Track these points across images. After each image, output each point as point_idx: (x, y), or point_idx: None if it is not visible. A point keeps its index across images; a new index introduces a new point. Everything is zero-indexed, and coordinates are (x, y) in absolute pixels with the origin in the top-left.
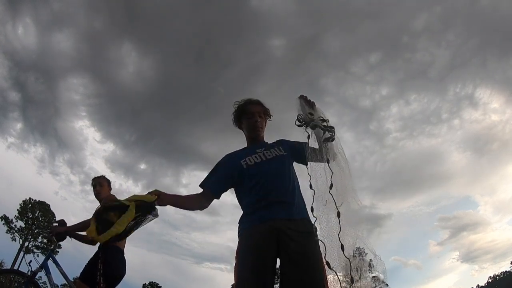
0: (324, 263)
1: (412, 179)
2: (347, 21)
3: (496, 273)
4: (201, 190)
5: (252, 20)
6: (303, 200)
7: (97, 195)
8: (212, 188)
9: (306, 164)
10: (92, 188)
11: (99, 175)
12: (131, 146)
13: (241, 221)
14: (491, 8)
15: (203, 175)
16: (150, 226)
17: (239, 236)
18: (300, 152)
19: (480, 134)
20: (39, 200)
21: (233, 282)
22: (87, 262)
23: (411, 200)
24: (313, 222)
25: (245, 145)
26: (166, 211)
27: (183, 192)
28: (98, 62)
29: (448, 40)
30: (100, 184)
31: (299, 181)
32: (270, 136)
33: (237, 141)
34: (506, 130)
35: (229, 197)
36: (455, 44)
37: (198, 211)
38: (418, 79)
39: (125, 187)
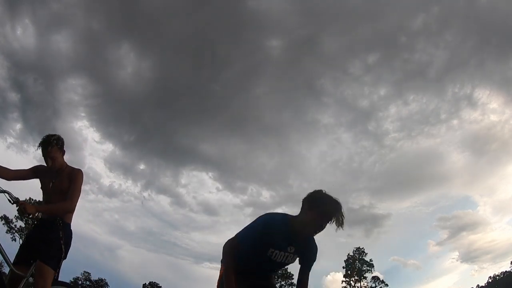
0: None
1: (411, 180)
2: (345, 22)
3: (496, 273)
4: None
5: (250, 21)
6: None
7: (50, 167)
8: (241, 244)
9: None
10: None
11: (47, 142)
12: (130, 147)
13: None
14: (489, 8)
15: (202, 175)
16: (150, 226)
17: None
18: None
19: (479, 135)
20: (39, 200)
21: None
22: (34, 240)
23: (410, 200)
24: None
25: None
26: (166, 211)
27: (183, 192)
28: (97, 62)
29: (446, 40)
30: (52, 157)
31: None
32: (270, 136)
33: (236, 142)
34: (505, 130)
35: (228, 197)
36: (453, 44)
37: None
38: (416, 79)
39: (124, 187)
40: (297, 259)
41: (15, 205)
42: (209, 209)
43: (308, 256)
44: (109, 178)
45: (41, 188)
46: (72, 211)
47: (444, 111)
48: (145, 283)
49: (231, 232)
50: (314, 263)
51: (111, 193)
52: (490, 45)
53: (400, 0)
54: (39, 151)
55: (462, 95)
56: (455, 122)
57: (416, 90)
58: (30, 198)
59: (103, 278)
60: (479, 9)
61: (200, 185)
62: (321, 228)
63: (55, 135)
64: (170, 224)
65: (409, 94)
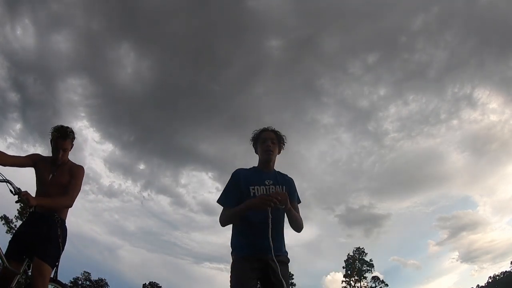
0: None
1: (411, 180)
2: (344, 21)
3: (496, 273)
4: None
5: (249, 21)
6: (283, 235)
7: (57, 158)
8: (231, 205)
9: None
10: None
11: (65, 133)
12: (130, 147)
13: (235, 244)
14: (489, 8)
15: (201, 175)
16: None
17: (232, 258)
18: (290, 199)
19: (479, 135)
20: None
21: None
22: (28, 235)
23: (410, 200)
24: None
25: (256, 164)
26: (166, 211)
27: (183, 192)
28: (97, 63)
29: (446, 40)
30: (64, 149)
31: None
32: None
33: (235, 142)
34: (505, 130)
35: None
36: (453, 44)
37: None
38: (416, 79)
39: (124, 187)
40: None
41: (16, 196)
42: (209, 209)
43: (288, 186)
44: (109, 178)
45: (37, 178)
46: (71, 206)
47: (444, 111)
48: (145, 283)
49: (231, 232)
50: (297, 194)
51: (111, 193)
52: (490, 45)
53: (400, 0)
54: (39, 151)
55: (462, 95)
56: (455, 122)
57: (416, 90)
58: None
59: (103, 278)
60: (479, 9)
61: (200, 185)
62: (263, 141)
63: (69, 127)
64: (170, 224)
65: (409, 94)
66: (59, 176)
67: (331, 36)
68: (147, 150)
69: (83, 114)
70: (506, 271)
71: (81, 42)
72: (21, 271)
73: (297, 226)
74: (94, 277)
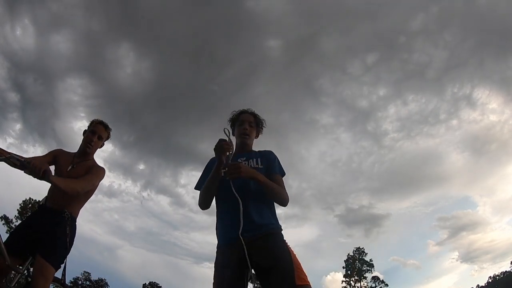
0: (293, 256)
1: (410, 180)
2: (343, 21)
3: (496, 273)
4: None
5: (248, 21)
6: (270, 209)
7: (87, 146)
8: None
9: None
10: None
11: (106, 124)
12: (130, 147)
13: (218, 233)
14: (488, 8)
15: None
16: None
17: (216, 249)
18: (269, 171)
19: (479, 135)
20: (39, 200)
21: None
22: (34, 230)
23: (409, 200)
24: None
25: None
26: (166, 211)
27: (182, 192)
28: (97, 63)
29: (445, 40)
30: (100, 137)
31: None
32: (270, 139)
33: (234, 139)
34: (504, 131)
35: None
36: (453, 44)
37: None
38: (416, 79)
39: (124, 187)
40: (263, 163)
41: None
42: (208, 209)
43: (263, 157)
44: (108, 178)
45: (55, 171)
46: (78, 194)
47: (444, 111)
48: (145, 283)
49: None
50: (278, 165)
51: (110, 193)
52: (490, 45)
53: (399, 0)
54: (39, 151)
55: (462, 95)
56: (454, 122)
57: (415, 90)
58: (30, 198)
59: (103, 278)
60: (478, 9)
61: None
62: (240, 124)
63: None
64: (170, 224)
65: (408, 94)
66: (78, 169)
67: (330, 36)
68: (146, 150)
69: (82, 114)
70: (506, 271)
71: (81, 42)
72: (23, 270)
73: (275, 197)
74: (94, 277)
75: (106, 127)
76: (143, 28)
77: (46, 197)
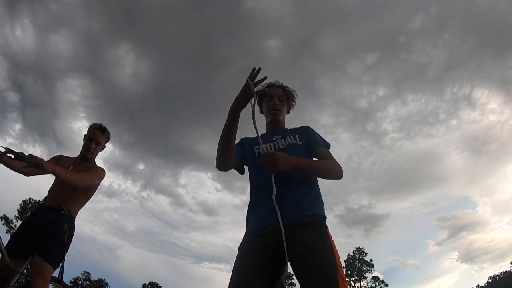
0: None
1: (410, 180)
2: (343, 22)
3: (496, 273)
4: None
5: (248, 21)
6: (316, 195)
7: (86, 152)
8: (237, 150)
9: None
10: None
11: (104, 128)
12: (130, 147)
13: (248, 215)
14: (488, 8)
15: (200, 175)
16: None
17: (246, 228)
18: (312, 151)
19: (478, 135)
20: (39, 200)
21: None
22: (33, 230)
23: (409, 200)
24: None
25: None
26: (166, 211)
27: (182, 192)
28: (96, 63)
29: (445, 40)
30: (98, 143)
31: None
32: None
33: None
34: (504, 131)
35: (228, 197)
36: (452, 44)
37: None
38: (415, 79)
39: (123, 188)
40: (302, 138)
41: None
42: (208, 209)
43: (301, 133)
44: (108, 178)
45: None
46: (77, 186)
47: (443, 111)
48: (145, 283)
49: (231, 232)
50: (317, 135)
51: (110, 193)
52: (489, 45)
53: (398, 0)
54: (39, 151)
55: (461, 95)
56: (454, 122)
57: (415, 90)
58: (30, 198)
59: (103, 278)
60: (478, 9)
61: (199, 185)
62: (269, 99)
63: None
64: (170, 224)
65: (407, 94)
66: (79, 169)
67: (330, 36)
68: (146, 150)
69: (82, 115)
70: (506, 271)
71: (81, 42)
72: (23, 269)
73: (328, 175)
74: (94, 277)
75: (104, 132)
76: (143, 28)
77: (46, 197)
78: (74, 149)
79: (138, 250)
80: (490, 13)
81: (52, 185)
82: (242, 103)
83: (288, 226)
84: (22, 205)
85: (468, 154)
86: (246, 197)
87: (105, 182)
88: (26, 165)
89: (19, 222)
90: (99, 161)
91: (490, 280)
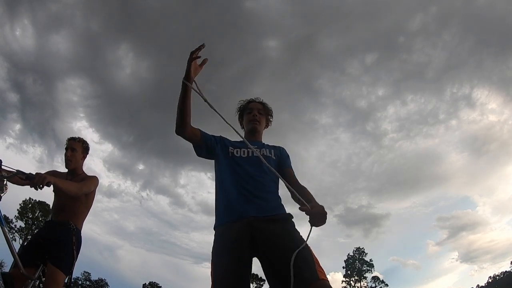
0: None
1: (410, 180)
2: (342, 22)
3: (496, 273)
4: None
5: (247, 21)
6: (280, 202)
7: (67, 162)
8: (203, 134)
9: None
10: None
11: (75, 137)
12: (129, 147)
13: (217, 215)
14: (487, 8)
15: (200, 175)
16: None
17: (214, 231)
18: (282, 169)
19: (478, 135)
20: (39, 200)
21: None
22: (44, 241)
23: (409, 201)
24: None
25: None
26: (165, 211)
27: (182, 192)
28: (96, 63)
29: (444, 40)
30: (73, 149)
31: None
32: (268, 138)
33: (233, 140)
34: (504, 131)
35: None
36: (452, 44)
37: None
38: (415, 79)
39: (123, 188)
40: (277, 155)
41: (31, 182)
42: (208, 209)
43: (277, 150)
44: (108, 178)
45: (53, 191)
46: (75, 195)
47: (443, 111)
48: (145, 283)
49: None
50: (290, 160)
51: (110, 193)
52: (489, 45)
53: (398, 1)
54: (38, 151)
55: (461, 95)
56: (453, 122)
57: (415, 90)
58: (30, 198)
59: (103, 278)
60: (477, 9)
61: (199, 185)
62: (249, 112)
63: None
64: (170, 224)
65: (407, 94)
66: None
67: (329, 37)
68: (146, 150)
69: (82, 115)
70: (506, 271)
71: (80, 42)
72: (35, 276)
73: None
74: (94, 277)
75: (75, 139)
76: (142, 28)
77: (51, 214)
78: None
79: (138, 250)
80: (490, 13)
81: (54, 202)
82: (187, 74)
83: (265, 216)
84: (22, 205)
85: (468, 154)
86: None
87: (105, 182)
88: (34, 185)
89: (19, 222)
90: (98, 160)
91: (490, 280)
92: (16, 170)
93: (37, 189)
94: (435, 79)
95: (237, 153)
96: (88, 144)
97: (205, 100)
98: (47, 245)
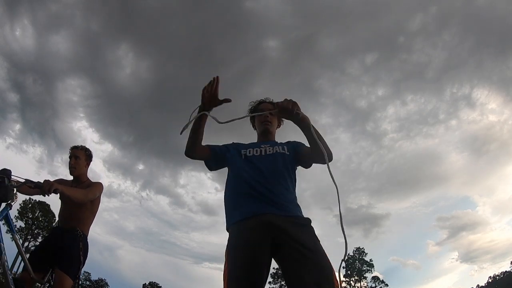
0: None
1: (410, 180)
2: (342, 22)
3: (496, 273)
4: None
5: (247, 21)
6: (297, 202)
7: (71, 169)
8: (213, 148)
9: (306, 166)
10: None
11: (78, 145)
12: (129, 147)
13: (229, 214)
14: (487, 8)
15: (200, 175)
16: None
17: (228, 231)
18: (299, 154)
19: (478, 135)
20: (39, 200)
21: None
22: (52, 247)
23: (409, 201)
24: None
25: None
26: (165, 211)
27: (182, 192)
28: (96, 63)
29: (444, 40)
30: (76, 157)
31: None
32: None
33: (233, 140)
34: (504, 131)
35: None
36: (452, 44)
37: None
38: (415, 79)
39: (123, 188)
40: (290, 149)
41: (40, 190)
42: (208, 209)
43: (290, 144)
44: (108, 178)
45: (60, 198)
46: (82, 202)
47: (443, 111)
48: (145, 283)
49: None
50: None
51: (110, 193)
52: (489, 45)
53: (397, 1)
54: (38, 151)
55: (461, 95)
56: (453, 122)
57: (414, 90)
58: (30, 198)
59: (103, 278)
60: (477, 9)
61: (199, 185)
62: (261, 111)
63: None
64: (170, 224)
65: (407, 95)
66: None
67: (329, 37)
68: (146, 150)
69: (82, 115)
70: (506, 271)
71: (80, 42)
72: (44, 281)
73: (320, 146)
74: (94, 277)
75: (78, 147)
76: (142, 28)
77: (58, 220)
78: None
79: (138, 250)
80: (490, 13)
81: (61, 209)
82: (204, 106)
83: (282, 216)
84: (22, 205)
85: (467, 154)
86: None
87: (104, 182)
88: (43, 192)
89: (19, 222)
90: (98, 160)
91: (490, 280)
92: (25, 179)
93: (45, 196)
94: (435, 79)
95: (249, 153)
96: (91, 151)
97: (222, 122)
98: (55, 251)
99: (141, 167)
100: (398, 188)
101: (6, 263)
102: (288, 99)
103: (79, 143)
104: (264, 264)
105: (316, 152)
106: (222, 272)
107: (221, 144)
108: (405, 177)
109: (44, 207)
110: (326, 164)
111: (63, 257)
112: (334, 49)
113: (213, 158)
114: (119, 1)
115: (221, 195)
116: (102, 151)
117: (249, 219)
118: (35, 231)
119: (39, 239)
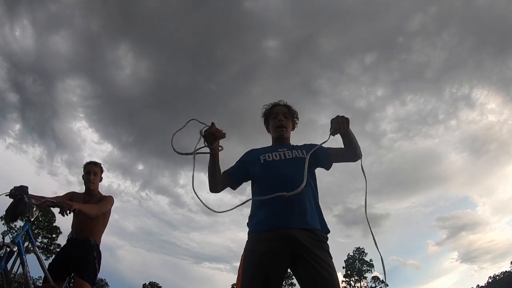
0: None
1: (409, 180)
2: (342, 22)
3: (496, 273)
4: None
5: (246, 21)
6: (319, 210)
7: (89, 185)
8: (231, 174)
9: (328, 168)
10: (85, 175)
11: (95, 162)
12: (129, 147)
13: (251, 219)
14: (487, 8)
15: (200, 176)
16: (149, 226)
17: (248, 236)
18: (320, 156)
19: (478, 135)
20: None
21: (233, 282)
22: (68, 256)
23: (408, 201)
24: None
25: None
26: (165, 211)
27: (181, 192)
28: (95, 63)
29: (444, 40)
30: (95, 173)
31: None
32: (268, 136)
33: (234, 142)
34: (503, 131)
35: (227, 197)
36: (451, 44)
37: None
38: (414, 79)
39: (123, 188)
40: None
41: (60, 209)
42: (208, 210)
43: (308, 148)
44: (108, 178)
45: (75, 214)
46: (95, 215)
47: (442, 111)
48: (145, 283)
49: (231, 232)
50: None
51: (109, 193)
52: (488, 45)
53: (397, 1)
54: (38, 151)
55: (460, 95)
56: (453, 122)
57: (414, 90)
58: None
59: (103, 278)
60: (477, 9)
61: (199, 185)
62: (275, 117)
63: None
64: (170, 224)
65: (406, 95)
66: (91, 203)
67: (329, 37)
68: (145, 150)
69: (82, 115)
70: (506, 271)
71: (80, 43)
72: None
73: (357, 148)
74: None
75: (96, 164)
76: (142, 28)
77: (71, 231)
78: (73, 149)
79: (138, 250)
80: (490, 13)
81: (73, 221)
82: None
83: (302, 232)
84: (67, 215)
85: (467, 154)
86: (245, 197)
87: (104, 182)
88: (62, 212)
89: (19, 222)
90: (98, 161)
91: (490, 280)
92: (44, 199)
93: (63, 216)
94: (434, 79)
95: (269, 157)
96: (103, 167)
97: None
98: (71, 260)
99: (140, 167)
100: (398, 188)
101: (28, 273)
102: (341, 115)
103: (78, 143)
104: (278, 276)
105: (352, 151)
106: (236, 275)
107: (235, 164)
108: (405, 177)
109: (45, 207)
110: (355, 161)
111: (81, 265)
112: (333, 49)
113: (235, 184)
114: (119, 1)
115: (221, 195)
116: (101, 151)
117: (271, 232)
118: (35, 231)
119: (39, 239)
